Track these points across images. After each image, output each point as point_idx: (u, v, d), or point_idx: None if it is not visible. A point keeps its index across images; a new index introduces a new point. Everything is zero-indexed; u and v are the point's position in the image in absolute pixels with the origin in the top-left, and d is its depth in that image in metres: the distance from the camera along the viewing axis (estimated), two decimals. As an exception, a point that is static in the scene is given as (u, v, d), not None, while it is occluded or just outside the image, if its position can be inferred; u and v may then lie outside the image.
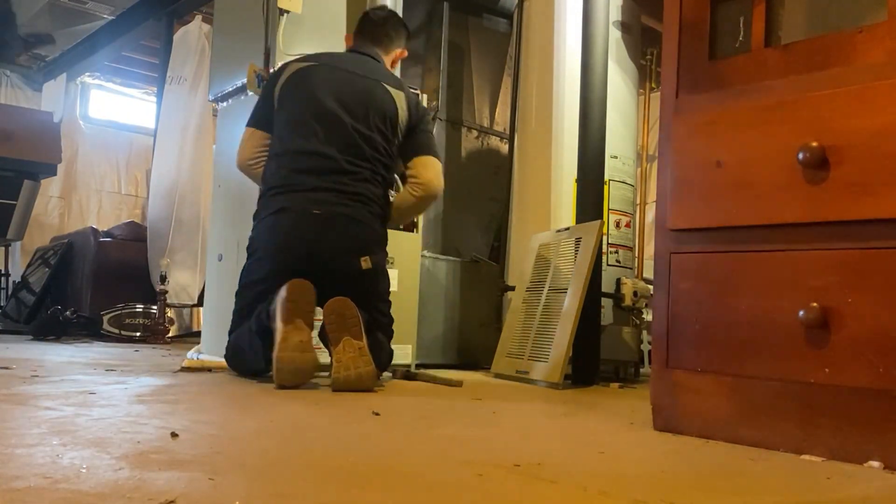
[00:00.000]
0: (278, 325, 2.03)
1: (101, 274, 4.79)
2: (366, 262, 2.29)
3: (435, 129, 3.80)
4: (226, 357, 2.38)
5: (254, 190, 2.63)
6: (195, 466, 0.97)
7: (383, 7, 2.88)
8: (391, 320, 2.41)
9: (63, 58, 6.66)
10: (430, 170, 2.47)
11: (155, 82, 5.98)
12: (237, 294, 2.38)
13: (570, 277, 2.70)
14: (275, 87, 2.42)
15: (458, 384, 2.39)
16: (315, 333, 2.38)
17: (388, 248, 2.46)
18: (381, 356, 2.26)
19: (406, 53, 2.72)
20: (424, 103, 3.11)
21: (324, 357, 2.18)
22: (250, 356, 2.24)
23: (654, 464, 1.22)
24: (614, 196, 3.14)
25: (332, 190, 2.28)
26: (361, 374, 2.01)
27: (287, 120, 2.39)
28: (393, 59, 2.65)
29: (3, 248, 5.70)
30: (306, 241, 2.24)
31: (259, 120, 2.46)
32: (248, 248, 2.38)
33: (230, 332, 2.38)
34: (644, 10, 3.41)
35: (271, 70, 2.70)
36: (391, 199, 2.51)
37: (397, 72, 2.77)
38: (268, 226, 2.30)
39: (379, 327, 2.32)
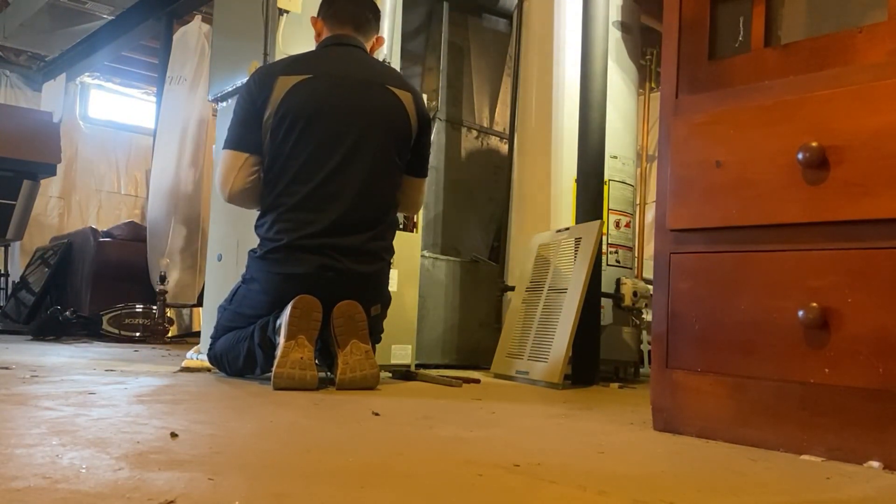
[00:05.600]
0: (281, 340, 2.02)
1: (100, 274, 4.79)
2: (375, 310, 2.27)
3: (435, 129, 3.81)
4: (212, 359, 2.36)
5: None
6: (195, 466, 0.97)
7: None
8: (382, 332, 2.41)
9: (63, 58, 6.66)
10: (416, 194, 2.43)
11: (154, 82, 5.98)
12: (226, 311, 2.32)
13: (570, 277, 2.70)
14: (265, 104, 2.18)
15: (459, 384, 2.39)
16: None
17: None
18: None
19: (384, 41, 2.50)
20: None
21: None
22: (245, 365, 2.22)
23: (654, 464, 1.22)
24: (614, 196, 3.14)
25: (351, 251, 2.17)
26: (367, 375, 2.09)
27: (293, 152, 2.17)
28: (372, 47, 2.41)
29: (2, 249, 5.70)
30: (318, 296, 2.08)
31: (247, 142, 2.21)
32: (244, 276, 2.27)
33: (213, 338, 2.36)
34: (644, 10, 3.41)
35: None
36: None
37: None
38: (274, 284, 2.16)
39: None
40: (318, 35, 2.39)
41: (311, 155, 2.18)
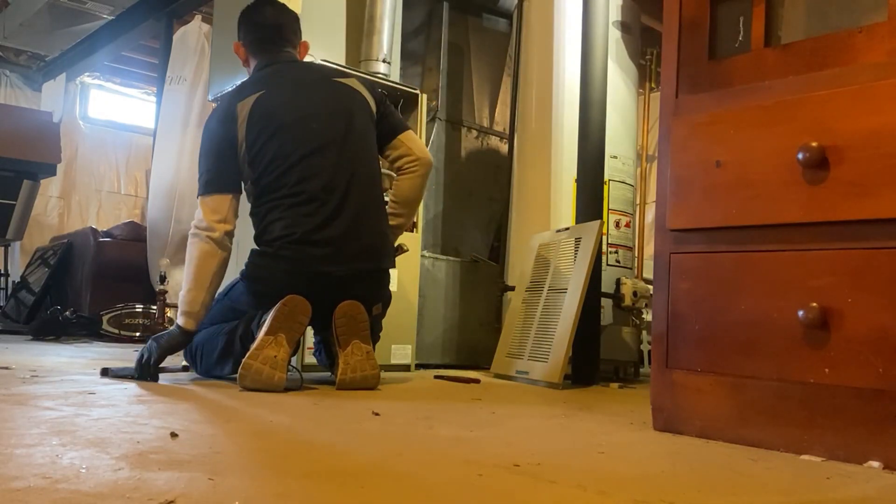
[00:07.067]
0: (260, 333, 1.99)
1: (100, 274, 4.79)
2: (377, 309, 2.26)
3: (435, 129, 3.81)
4: (186, 351, 2.26)
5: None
6: (195, 466, 0.97)
7: (263, 3, 2.38)
8: (381, 330, 2.40)
9: (63, 58, 6.66)
10: (415, 142, 2.40)
11: (154, 82, 5.98)
12: (218, 303, 2.24)
13: (570, 277, 2.70)
14: (236, 132, 2.16)
15: (477, 381, 2.41)
16: (313, 338, 2.39)
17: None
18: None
19: (308, 45, 2.47)
20: (423, 101, 3.10)
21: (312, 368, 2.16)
22: (219, 359, 2.14)
23: (654, 464, 1.22)
24: (614, 196, 3.14)
25: (359, 245, 2.16)
26: (367, 376, 2.10)
27: (281, 156, 2.15)
28: (300, 54, 2.41)
29: (2, 249, 5.70)
30: (321, 296, 2.10)
31: (228, 181, 2.16)
32: (243, 272, 2.21)
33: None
34: (644, 10, 3.41)
35: None
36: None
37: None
38: (279, 282, 2.10)
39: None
40: (245, 61, 2.39)
41: (303, 155, 2.16)
